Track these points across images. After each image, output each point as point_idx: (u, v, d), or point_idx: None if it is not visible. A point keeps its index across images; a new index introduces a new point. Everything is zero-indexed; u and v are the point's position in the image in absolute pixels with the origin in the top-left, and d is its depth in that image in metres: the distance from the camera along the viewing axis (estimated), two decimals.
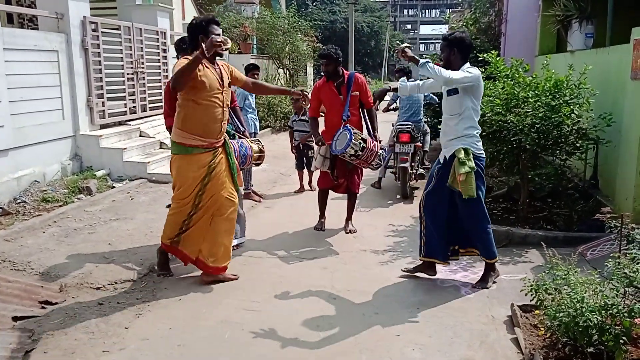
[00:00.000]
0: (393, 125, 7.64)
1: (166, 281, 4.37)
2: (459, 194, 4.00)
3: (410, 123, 7.20)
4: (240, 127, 5.23)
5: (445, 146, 4.11)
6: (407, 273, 4.47)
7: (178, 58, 4.82)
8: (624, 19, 6.57)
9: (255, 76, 6.95)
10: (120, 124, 8.73)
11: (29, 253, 4.84)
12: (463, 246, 4.37)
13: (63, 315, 3.74)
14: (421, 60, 3.92)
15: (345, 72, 5.43)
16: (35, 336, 3.42)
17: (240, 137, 5.06)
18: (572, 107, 5.04)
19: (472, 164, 3.90)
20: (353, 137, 4.89)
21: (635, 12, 7.04)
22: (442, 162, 4.15)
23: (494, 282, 4.27)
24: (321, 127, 5.49)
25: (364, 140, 5.00)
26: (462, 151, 3.92)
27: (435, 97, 7.80)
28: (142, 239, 5.34)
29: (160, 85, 9.82)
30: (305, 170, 7.55)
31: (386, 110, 8.51)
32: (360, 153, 4.95)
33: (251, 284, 4.32)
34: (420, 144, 7.40)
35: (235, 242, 5.06)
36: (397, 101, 8.10)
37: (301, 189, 7.53)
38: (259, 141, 5.17)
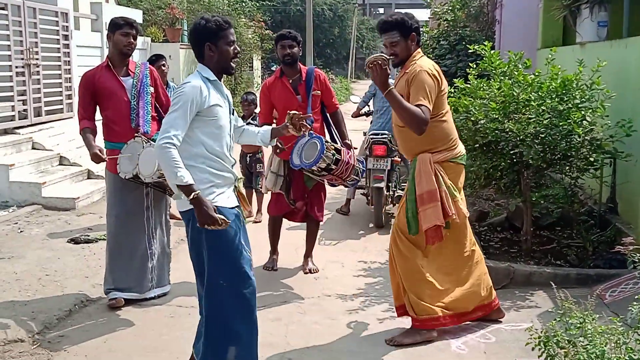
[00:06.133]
0: (365, 135, 7.66)
1: (66, 340, 4.24)
2: None
3: (387, 132, 7.14)
4: None
5: None
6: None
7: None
8: None
9: (163, 68, 6.77)
10: (6, 132, 8.51)
11: None
12: None
13: None
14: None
15: (302, 67, 5.47)
16: None
17: None
18: (583, 112, 5.18)
19: None
20: (325, 148, 4.84)
21: None
22: None
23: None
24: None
25: (338, 151, 4.97)
26: None
27: None
28: (34, 284, 5.19)
29: (61, 82, 9.64)
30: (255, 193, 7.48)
31: (356, 115, 8.40)
32: (333, 167, 4.90)
33: (178, 343, 4.22)
34: (399, 159, 7.37)
35: (156, 291, 4.98)
36: (370, 104, 8.14)
37: (249, 215, 7.43)
38: None
